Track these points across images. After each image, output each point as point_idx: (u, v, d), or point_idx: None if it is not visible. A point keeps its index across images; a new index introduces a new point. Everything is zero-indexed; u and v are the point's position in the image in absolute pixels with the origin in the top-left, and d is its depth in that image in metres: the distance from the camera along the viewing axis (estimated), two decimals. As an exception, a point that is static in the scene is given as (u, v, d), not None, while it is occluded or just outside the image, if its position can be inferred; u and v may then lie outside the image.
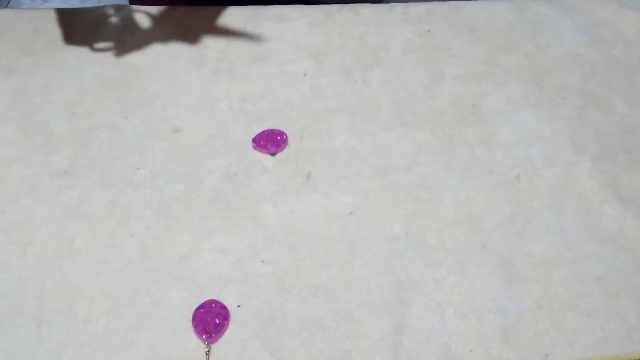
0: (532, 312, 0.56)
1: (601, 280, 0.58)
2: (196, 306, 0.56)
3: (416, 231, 0.62)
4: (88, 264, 0.58)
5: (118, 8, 0.84)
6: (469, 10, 0.86)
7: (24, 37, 0.80)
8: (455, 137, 0.70)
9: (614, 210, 0.64)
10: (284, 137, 0.69)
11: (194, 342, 0.54)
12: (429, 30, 0.83)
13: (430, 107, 0.73)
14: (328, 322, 0.55)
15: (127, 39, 0.80)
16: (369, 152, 0.68)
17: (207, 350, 0.53)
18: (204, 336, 0.54)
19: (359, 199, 0.64)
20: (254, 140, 0.69)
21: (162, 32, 0.81)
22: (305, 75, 0.76)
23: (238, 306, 0.56)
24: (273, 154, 0.68)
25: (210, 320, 0.54)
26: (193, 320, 0.55)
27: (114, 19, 0.82)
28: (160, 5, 0.84)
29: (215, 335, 0.54)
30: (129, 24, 0.82)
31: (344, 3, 0.86)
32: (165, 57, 0.78)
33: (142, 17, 0.83)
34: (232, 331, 0.55)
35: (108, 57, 0.77)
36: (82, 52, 0.78)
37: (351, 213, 0.63)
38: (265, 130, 0.70)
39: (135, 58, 0.77)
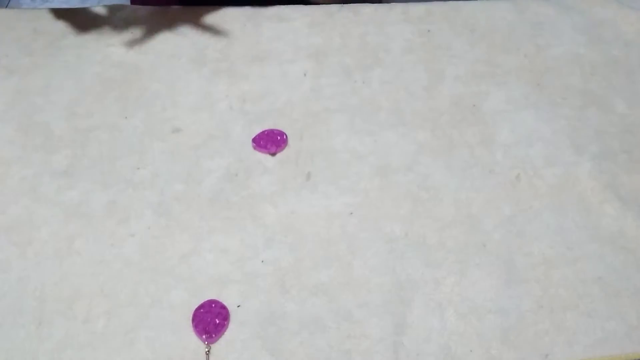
0: (532, 312, 0.56)
1: (601, 280, 0.58)
2: (196, 306, 0.56)
3: (416, 231, 0.62)
4: (88, 264, 0.58)
5: (118, 8, 0.84)
6: (469, 10, 0.86)
7: (24, 37, 0.80)
8: (455, 137, 0.70)
9: (614, 210, 0.64)
10: (284, 137, 0.69)
11: (194, 342, 0.54)
12: (429, 30, 0.83)
13: (430, 107, 0.73)
14: (328, 322, 0.55)
15: (127, 39, 0.80)
16: (369, 152, 0.68)
17: (207, 350, 0.53)
18: (204, 336, 0.54)
19: (359, 199, 0.64)
20: (254, 140, 0.69)
21: (162, 32, 0.81)
22: (305, 75, 0.76)
23: (238, 306, 0.56)
24: (273, 154, 0.68)
25: (210, 320, 0.54)
26: (193, 320, 0.55)
27: (114, 19, 0.82)
28: (160, 5, 0.84)
29: (215, 335, 0.54)
30: (129, 24, 0.82)
31: (344, 3, 0.86)
32: (165, 57, 0.78)
33: (142, 17, 0.83)
34: (232, 331, 0.55)
35: (108, 57, 0.77)
36: (82, 52, 0.78)
37: (351, 213, 0.63)
38: (265, 130, 0.70)
39: (135, 58, 0.77)
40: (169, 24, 0.82)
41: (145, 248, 0.60)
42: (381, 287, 0.57)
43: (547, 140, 0.70)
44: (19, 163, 0.66)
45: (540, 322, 0.55)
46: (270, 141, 0.68)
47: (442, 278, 0.58)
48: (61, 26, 0.81)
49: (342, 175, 0.66)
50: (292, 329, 0.55)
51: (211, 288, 0.57)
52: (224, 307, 0.56)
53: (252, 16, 0.83)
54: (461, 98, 0.74)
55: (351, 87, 0.75)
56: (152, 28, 0.81)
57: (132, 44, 0.79)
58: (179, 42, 0.80)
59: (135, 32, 0.81)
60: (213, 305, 0.56)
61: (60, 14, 0.83)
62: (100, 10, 0.84)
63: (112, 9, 0.84)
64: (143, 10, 0.84)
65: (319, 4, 0.85)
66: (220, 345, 0.54)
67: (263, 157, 0.68)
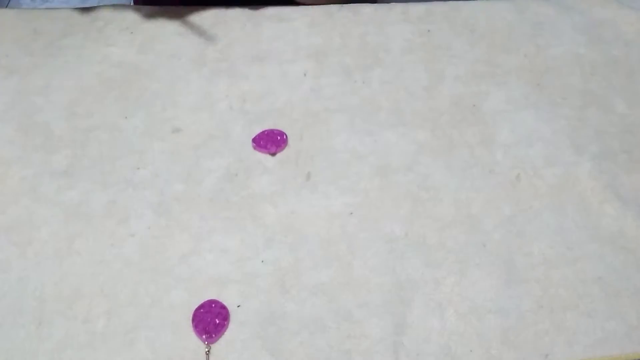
0: (532, 312, 0.56)
1: (601, 280, 0.58)
2: (196, 306, 0.56)
3: (416, 231, 0.62)
4: (88, 264, 0.58)
5: (118, 8, 0.84)
6: (469, 10, 0.86)
7: (24, 37, 0.80)
8: (455, 137, 0.70)
9: (614, 210, 0.64)
10: (284, 137, 0.69)
11: (194, 342, 0.54)
12: (429, 30, 0.83)
13: (430, 107, 0.73)
14: (328, 322, 0.55)
15: (127, 39, 0.80)
16: (369, 152, 0.68)
17: (207, 350, 0.53)
18: (204, 336, 0.54)
19: (359, 199, 0.64)
20: (254, 140, 0.69)
21: (162, 32, 0.81)
22: (305, 75, 0.76)
23: (238, 306, 0.56)
24: (273, 154, 0.68)
25: (210, 320, 0.54)
26: (193, 320, 0.55)
27: (114, 19, 0.82)
28: (161, 5, 0.84)
29: (215, 335, 0.54)
30: (129, 23, 0.82)
31: (334, 3, 0.86)
32: (165, 57, 0.78)
33: (142, 16, 0.83)
34: (232, 331, 0.55)
35: (108, 57, 0.77)
36: (82, 52, 0.78)
37: (351, 213, 0.63)
38: (265, 130, 0.70)
39: (135, 58, 0.77)
40: (169, 24, 0.82)
41: (145, 248, 0.60)
42: (381, 287, 0.57)
43: (547, 140, 0.70)
44: (19, 163, 0.66)
45: (540, 322, 0.55)
46: (270, 141, 0.68)
47: (442, 278, 0.58)
48: (61, 26, 0.81)
49: (342, 175, 0.66)
50: (292, 329, 0.55)
51: (211, 288, 0.57)
52: (224, 307, 0.56)
53: (252, 16, 0.83)
54: (461, 98, 0.74)
55: (351, 87, 0.75)
56: (152, 28, 0.81)
57: (132, 44, 0.79)
58: (179, 42, 0.80)
59: (135, 32, 0.81)
60: (213, 305, 0.56)
61: (60, 14, 0.83)
62: (100, 10, 0.84)
63: (112, 8, 0.84)
64: (143, 10, 0.84)
65: (306, 4, 0.85)
66: (220, 345, 0.54)
67: (263, 157, 0.68)
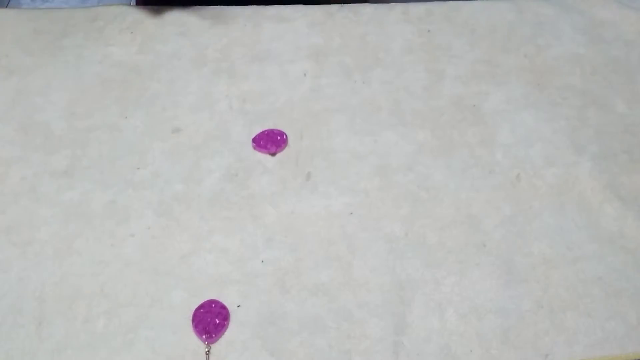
0: (532, 312, 0.56)
1: (601, 280, 0.58)
2: (196, 306, 0.56)
3: (416, 231, 0.62)
4: (88, 264, 0.58)
5: (118, 8, 0.84)
6: (469, 10, 0.86)
7: (24, 37, 0.80)
8: (455, 137, 0.70)
9: (614, 210, 0.64)
10: (284, 137, 0.69)
11: (194, 342, 0.54)
12: (429, 30, 0.83)
13: (430, 107, 0.73)
14: (328, 322, 0.55)
15: (127, 39, 0.80)
16: (369, 152, 0.68)
17: (207, 350, 0.53)
18: (204, 336, 0.54)
19: (359, 199, 0.64)
20: (254, 140, 0.69)
21: (162, 32, 0.81)
22: (305, 75, 0.76)
23: (238, 306, 0.56)
24: (273, 154, 0.68)
25: (210, 320, 0.54)
26: (193, 320, 0.55)
27: (114, 19, 0.82)
28: (160, 5, 0.84)
29: (215, 335, 0.54)
30: (129, 23, 0.82)
31: (343, 3, 0.86)
32: (165, 57, 0.78)
33: (142, 17, 0.83)
34: (232, 331, 0.55)
35: (108, 57, 0.77)
36: (82, 52, 0.78)
37: (351, 213, 0.63)
38: (265, 130, 0.70)
39: (135, 58, 0.78)
40: (169, 24, 0.82)
41: (145, 248, 0.60)
42: (381, 287, 0.57)
43: (547, 140, 0.70)
44: (19, 163, 0.66)
45: (540, 322, 0.55)
46: (270, 141, 0.68)
47: (442, 278, 0.58)
48: (61, 26, 0.81)
49: (342, 175, 0.66)
50: (292, 329, 0.55)
51: (211, 288, 0.57)
52: (224, 307, 0.56)
53: (252, 16, 0.83)
54: (461, 98, 0.74)
55: (351, 87, 0.75)
56: (152, 28, 0.81)
57: (132, 43, 0.79)
58: (179, 42, 0.80)
59: (135, 32, 0.81)
60: (213, 305, 0.56)
61: (60, 14, 0.83)
62: (100, 10, 0.84)
63: (112, 8, 0.84)
64: (143, 10, 0.84)
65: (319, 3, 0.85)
66: (220, 345, 0.54)
67: (263, 157, 0.68)
